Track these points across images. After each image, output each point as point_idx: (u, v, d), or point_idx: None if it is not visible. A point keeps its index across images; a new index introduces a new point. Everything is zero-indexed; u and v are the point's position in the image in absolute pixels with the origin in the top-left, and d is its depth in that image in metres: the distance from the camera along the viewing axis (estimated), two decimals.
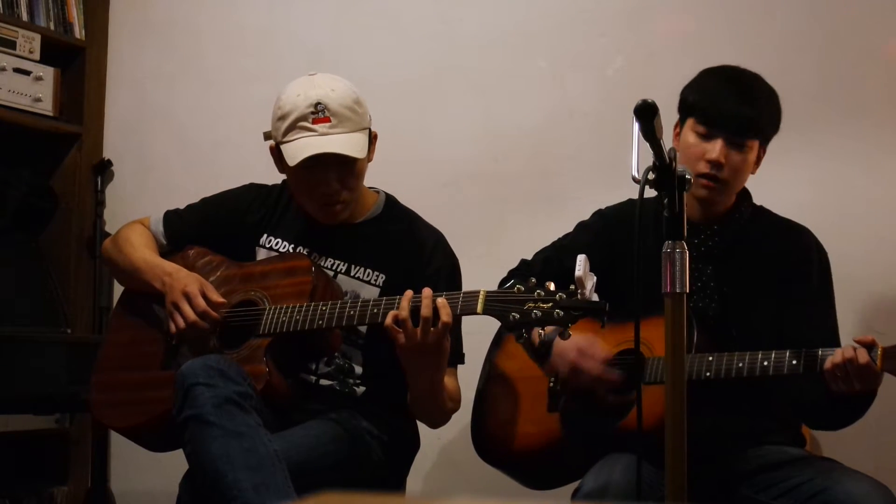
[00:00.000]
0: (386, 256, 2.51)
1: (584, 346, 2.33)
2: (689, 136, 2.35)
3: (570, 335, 2.11)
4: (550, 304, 2.07)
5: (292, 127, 2.39)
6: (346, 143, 2.39)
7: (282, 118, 2.41)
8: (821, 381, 2.17)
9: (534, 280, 2.11)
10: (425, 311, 2.17)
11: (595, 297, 2.06)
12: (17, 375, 3.13)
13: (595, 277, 2.05)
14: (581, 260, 2.00)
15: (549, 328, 2.22)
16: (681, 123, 2.40)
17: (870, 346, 2.13)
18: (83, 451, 3.61)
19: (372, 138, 2.48)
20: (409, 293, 2.21)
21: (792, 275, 2.38)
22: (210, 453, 2.10)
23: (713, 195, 2.35)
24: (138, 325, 2.58)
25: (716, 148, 2.29)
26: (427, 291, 2.20)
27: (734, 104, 2.31)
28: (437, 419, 2.50)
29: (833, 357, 2.14)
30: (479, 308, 2.15)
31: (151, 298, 2.54)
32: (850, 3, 2.97)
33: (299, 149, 2.37)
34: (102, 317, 3.63)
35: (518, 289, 2.11)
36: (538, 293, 2.09)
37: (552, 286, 2.08)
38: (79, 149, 3.73)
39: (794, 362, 2.17)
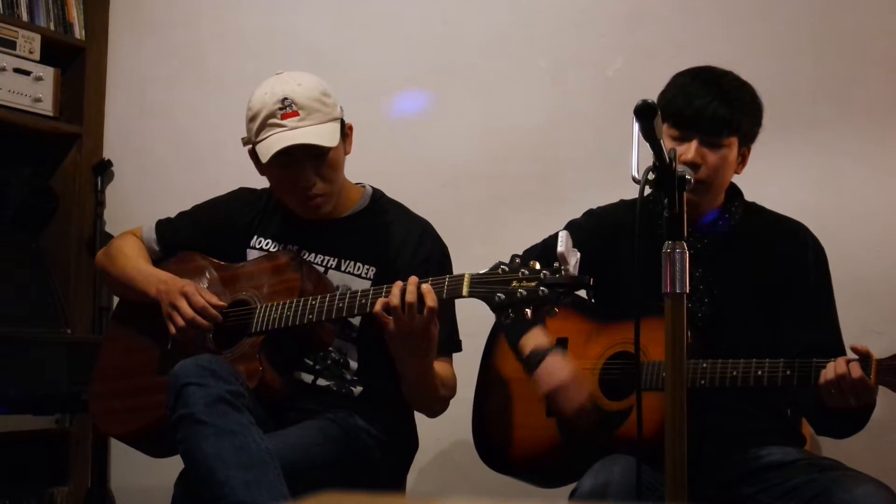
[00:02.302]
0: (374, 249, 2.52)
1: (573, 376, 2.32)
2: (666, 141, 2.29)
3: (556, 313, 2.09)
4: (535, 283, 2.06)
5: (263, 126, 2.41)
6: (316, 134, 2.39)
7: (252, 119, 2.43)
8: (817, 391, 2.13)
9: (518, 260, 2.11)
10: (409, 296, 2.17)
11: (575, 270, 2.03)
12: (17, 375, 3.13)
13: (579, 253, 2.02)
14: (563, 236, 1.97)
15: (551, 328, 2.21)
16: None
17: (864, 358, 2.09)
18: (83, 451, 3.61)
19: (347, 130, 2.48)
20: (399, 283, 2.21)
21: (788, 274, 2.35)
22: (202, 451, 2.10)
23: (694, 197, 2.29)
24: (135, 333, 2.59)
25: (690, 149, 2.26)
26: (413, 279, 2.20)
27: (704, 103, 2.26)
28: (433, 406, 2.49)
29: (826, 372, 2.09)
30: (465, 291, 2.14)
31: (147, 307, 2.54)
32: (849, 3, 2.97)
33: (269, 145, 2.39)
34: (102, 317, 3.64)
35: (502, 269, 2.10)
36: (522, 272, 2.08)
37: (537, 265, 2.07)
38: (79, 149, 3.73)
39: (788, 373, 2.14)
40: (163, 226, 2.67)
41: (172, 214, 2.70)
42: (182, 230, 2.65)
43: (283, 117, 2.39)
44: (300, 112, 2.39)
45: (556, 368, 2.33)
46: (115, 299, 2.83)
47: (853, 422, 2.22)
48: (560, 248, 1.96)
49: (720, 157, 2.29)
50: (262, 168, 2.48)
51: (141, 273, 2.54)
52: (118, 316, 2.70)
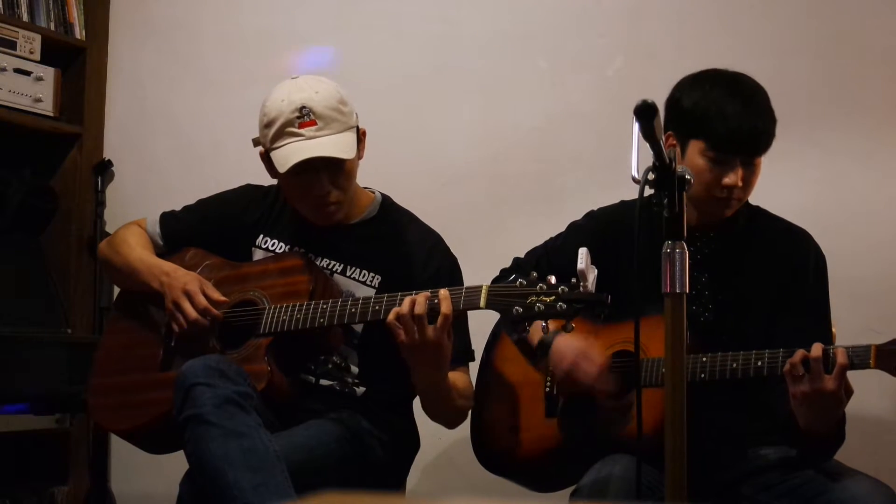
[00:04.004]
0: (381, 258, 2.51)
1: (583, 349, 2.32)
2: (699, 160, 2.26)
3: (573, 328, 2.11)
4: (553, 297, 2.08)
5: (280, 133, 2.39)
6: (334, 146, 2.38)
7: (268, 125, 2.42)
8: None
9: (535, 274, 2.12)
10: (419, 308, 2.17)
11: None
12: (16, 375, 3.13)
13: (596, 270, 2.06)
14: (583, 253, 2.00)
15: (552, 326, 2.22)
16: (680, 139, 2.31)
17: (860, 348, 2.09)
18: (83, 451, 3.60)
19: (360, 136, 2.48)
20: (411, 296, 2.21)
21: (788, 281, 2.35)
22: (210, 453, 2.10)
23: (729, 212, 2.32)
24: (135, 327, 2.58)
25: (737, 174, 2.25)
26: (423, 293, 2.20)
27: (748, 127, 2.24)
28: (451, 418, 2.49)
29: (792, 358, 2.10)
30: (482, 302, 2.16)
31: (148, 300, 2.54)
32: (849, 3, 2.97)
33: (288, 155, 2.37)
34: (102, 317, 3.63)
35: (520, 283, 2.12)
36: (540, 286, 2.10)
37: (553, 279, 2.09)
38: (79, 149, 3.73)
39: None
40: (167, 220, 2.66)
41: None
42: (187, 225, 2.64)
43: (301, 126, 2.37)
44: (318, 121, 2.38)
45: (565, 347, 2.32)
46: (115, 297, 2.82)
47: (823, 444, 2.21)
48: (580, 265, 2.00)
49: (753, 172, 2.30)
50: (274, 172, 2.47)
51: (144, 263, 2.54)
52: (119, 307, 2.68)
